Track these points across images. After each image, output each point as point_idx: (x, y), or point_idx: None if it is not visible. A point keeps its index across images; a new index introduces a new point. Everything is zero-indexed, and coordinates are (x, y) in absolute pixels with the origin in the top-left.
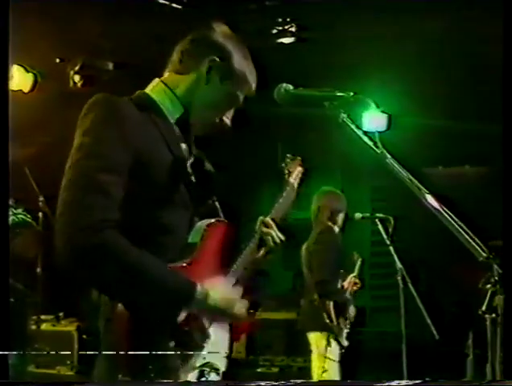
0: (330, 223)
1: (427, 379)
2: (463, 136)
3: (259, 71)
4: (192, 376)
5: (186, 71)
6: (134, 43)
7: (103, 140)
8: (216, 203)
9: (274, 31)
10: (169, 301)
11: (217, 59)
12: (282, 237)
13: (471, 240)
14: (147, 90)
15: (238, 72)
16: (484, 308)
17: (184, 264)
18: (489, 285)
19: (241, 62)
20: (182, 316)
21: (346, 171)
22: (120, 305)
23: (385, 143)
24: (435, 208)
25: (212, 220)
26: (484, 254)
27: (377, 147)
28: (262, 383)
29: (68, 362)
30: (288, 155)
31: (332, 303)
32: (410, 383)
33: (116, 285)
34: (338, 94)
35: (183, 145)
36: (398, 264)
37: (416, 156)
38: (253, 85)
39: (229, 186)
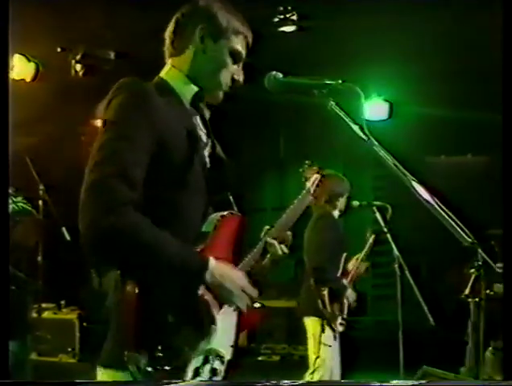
0: (328, 208)
1: (423, 381)
2: (465, 125)
3: (261, 59)
4: (196, 360)
5: (182, 50)
6: (135, 33)
7: (131, 122)
8: (231, 197)
9: (276, 20)
10: (183, 275)
11: (205, 25)
12: (286, 250)
13: (456, 226)
14: (162, 75)
15: (229, 28)
16: (467, 292)
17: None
18: (472, 270)
19: (228, 17)
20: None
21: (348, 159)
22: (129, 286)
23: (386, 132)
24: (421, 195)
25: (226, 212)
26: (469, 239)
27: (364, 134)
28: (265, 384)
29: (70, 349)
30: (306, 162)
31: (326, 289)
32: (410, 383)
33: (134, 265)
34: (327, 82)
35: (200, 131)
36: (396, 252)
37: (419, 145)
38: (249, 35)
39: (234, 175)
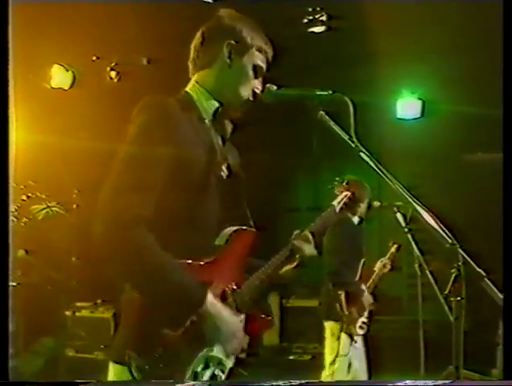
0: (348, 213)
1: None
2: (500, 122)
3: (293, 60)
4: (196, 365)
5: (208, 65)
6: (167, 39)
7: (151, 140)
8: (248, 212)
9: (305, 21)
10: (179, 304)
11: (233, 42)
12: (314, 251)
13: (438, 228)
14: (188, 89)
15: (253, 45)
16: (447, 291)
17: (202, 263)
18: (453, 270)
19: (251, 34)
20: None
21: (383, 158)
22: (133, 293)
23: (420, 130)
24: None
25: (240, 227)
26: (449, 240)
27: (352, 142)
28: (264, 384)
29: (102, 346)
30: (337, 178)
31: (343, 293)
32: (410, 383)
33: (136, 279)
34: (317, 93)
35: (217, 147)
36: (416, 252)
37: (453, 143)
38: (270, 51)
39: (264, 178)
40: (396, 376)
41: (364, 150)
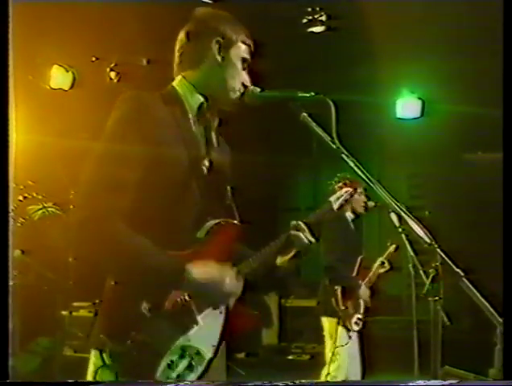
0: (344, 210)
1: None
2: (499, 122)
3: (292, 60)
4: (171, 354)
5: (195, 65)
6: (166, 39)
7: (124, 135)
8: (233, 205)
9: (305, 21)
10: (160, 281)
11: (219, 39)
12: (312, 239)
13: (419, 229)
14: (175, 84)
15: (238, 39)
16: (424, 291)
17: (182, 253)
18: (431, 270)
19: (234, 29)
20: (171, 298)
21: (382, 157)
22: (108, 279)
23: (420, 130)
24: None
25: (221, 220)
26: (428, 241)
27: (333, 143)
28: (263, 384)
29: None
30: (338, 175)
31: (339, 288)
32: (411, 384)
33: (116, 267)
34: (300, 95)
35: (201, 141)
36: (410, 253)
37: (453, 142)
38: (252, 43)
39: (266, 175)
40: (392, 376)
41: (345, 152)
